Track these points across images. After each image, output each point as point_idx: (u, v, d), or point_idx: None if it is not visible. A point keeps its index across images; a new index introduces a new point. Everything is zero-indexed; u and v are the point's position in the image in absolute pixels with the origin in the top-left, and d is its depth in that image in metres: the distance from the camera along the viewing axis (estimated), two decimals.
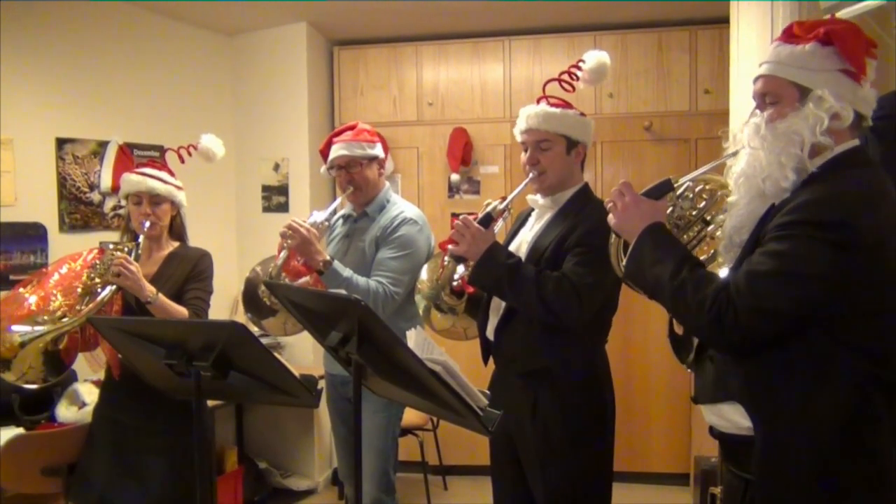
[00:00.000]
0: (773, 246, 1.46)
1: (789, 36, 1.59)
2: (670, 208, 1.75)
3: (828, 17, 2.34)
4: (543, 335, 2.16)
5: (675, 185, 1.69)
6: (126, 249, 2.49)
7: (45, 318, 2.38)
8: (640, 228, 1.63)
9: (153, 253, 2.62)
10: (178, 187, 2.65)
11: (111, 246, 2.55)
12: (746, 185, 1.59)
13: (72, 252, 2.81)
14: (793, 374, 1.47)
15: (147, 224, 2.54)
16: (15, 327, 2.34)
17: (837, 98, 1.50)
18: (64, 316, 2.39)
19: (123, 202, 2.70)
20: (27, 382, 2.42)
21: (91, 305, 2.37)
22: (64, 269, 2.51)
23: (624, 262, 1.69)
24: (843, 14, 2.36)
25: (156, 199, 2.58)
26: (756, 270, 1.45)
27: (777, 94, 1.56)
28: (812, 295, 1.42)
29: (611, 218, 1.71)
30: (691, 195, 1.77)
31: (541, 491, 2.20)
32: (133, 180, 2.58)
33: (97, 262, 2.49)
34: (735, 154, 1.65)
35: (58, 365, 2.45)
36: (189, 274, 2.59)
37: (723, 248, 1.66)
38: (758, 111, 1.61)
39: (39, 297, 2.42)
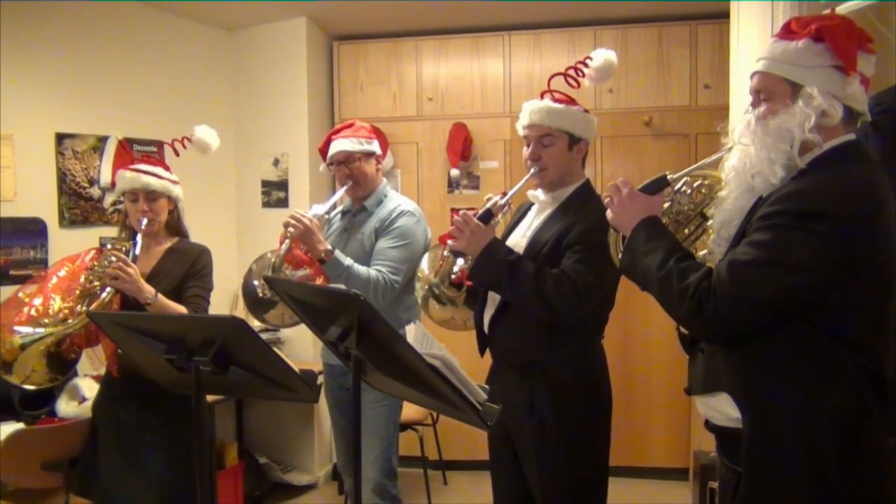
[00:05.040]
0: (757, 236, 1.48)
1: (787, 32, 1.60)
2: (668, 203, 1.77)
3: (827, 11, 2.34)
4: (537, 328, 2.17)
5: (672, 181, 1.72)
6: (123, 250, 2.49)
7: (47, 321, 2.38)
8: (635, 222, 1.66)
9: (151, 248, 2.62)
10: (174, 182, 2.65)
11: (108, 246, 2.55)
12: (736, 180, 1.61)
13: (71, 247, 2.83)
14: (782, 368, 1.48)
15: (145, 221, 2.54)
16: (17, 328, 2.34)
17: (826, 95, 1.50)
18: (65, 319, 2.40)
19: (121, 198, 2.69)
20: (32, 384, 2.43)
21: (90, 308, 2.37)
22: (62, 272, 2.51)
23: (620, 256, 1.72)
24: (842, 9, 2.35)
25: (152, 196, 2.57)
26: (738, 260, 1.47)
27: (770, 91, 1.57)
28: (793, 284, 1.43)
29: (608, 212, 1.74)
30: (689, 190, 1.79)
31: (538, 484, 2.20)
32: (128, 177, 2.57)
33: (95, 264, 2.49)
34: (730, 150, 1.66)
35: (62, 365, 2.46)
36: (188, 271, 2.58)
37: (712, 242, 1.69)
38: (751, 108, 1.62)
39: (39, 301, 2.42)
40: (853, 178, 1.47)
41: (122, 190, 2.60)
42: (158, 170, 2.61)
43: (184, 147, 2.73)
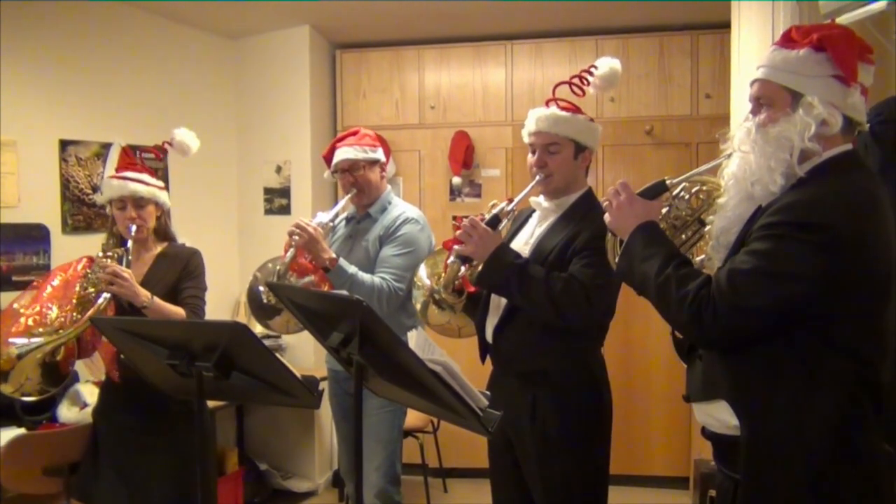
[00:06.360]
0: (757, 245, 1.48)
1: (787, 40, 1.61)
2: (666, 209, 1.78)
3: (828, 21, 2.35)
4: (542, 336, 2.17)
5: (670, 186, 1.73)
6: (116, 256, 2.49)
7: (42, 330, 2.38)
8: (633, 227, 1.67)
9: (141, 254, 2.63)
10: (161, 187, 2.67)
11: (100, 254, 2.55)
12: (736, 187, 1.62)
13: (74, 254, 2.83)
14: (780, 375, 1.49)
15: (134, 228, 2.55)
16: (13, 339, 2.34)
17: (826, 104, 1.51)
18: (61, 327, 2.40)
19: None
20: (24, 394, 2.42)
21: (87, 315, 2.37)
22: (56, 282, 2.51)
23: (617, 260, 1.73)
24: (842, 19, 2.37)
25: (139, 203, 2.58)
26: (737, 269, 1.48)
27: (770, 99, 1.58)
28: (792, 294, 1.44)
29: (607, 216, 1.75)
30: (687, 196, 1.80)
31: (539, 491, 2.21)
32: (114, 185, 2.58)
33: (88, 271, 2.49)
34: (729, 156, 1.67)
35: (56, 376, 2.45)
36: (181, 273, 2.60)
37: (711, 248, 1.69)
38: (751, 115, 1.63)
39: (35, 311, 2.42)
40: (852, 189, 1.48)
41: (110, 198, 2.61)
42: (144, 176, 2.62)
43: (164, 151, 2.76)
